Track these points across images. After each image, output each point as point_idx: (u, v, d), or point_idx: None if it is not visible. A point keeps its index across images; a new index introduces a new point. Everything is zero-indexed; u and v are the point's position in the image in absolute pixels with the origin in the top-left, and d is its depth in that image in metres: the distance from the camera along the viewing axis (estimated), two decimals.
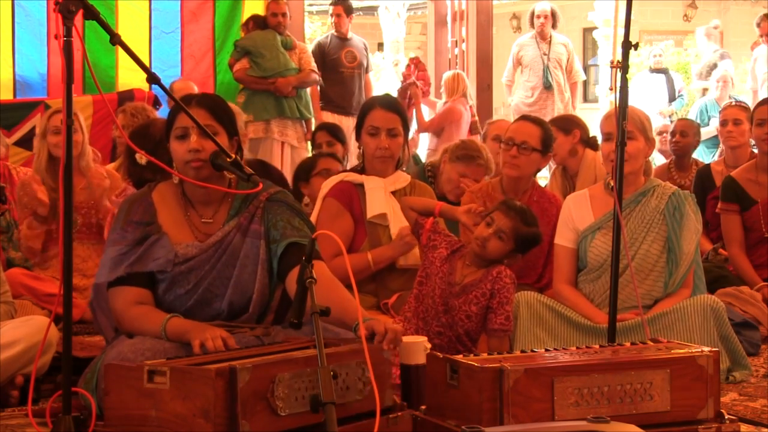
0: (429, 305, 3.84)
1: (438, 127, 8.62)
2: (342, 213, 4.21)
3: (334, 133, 6.30)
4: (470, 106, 8.80)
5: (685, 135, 6.42)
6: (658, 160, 8.58)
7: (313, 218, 4.24)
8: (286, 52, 7.80)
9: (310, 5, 15.32)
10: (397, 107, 4.35)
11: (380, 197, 4.21)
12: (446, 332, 3.82)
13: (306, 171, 5.30)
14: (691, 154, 6.54)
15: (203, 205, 3.33)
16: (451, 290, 3.82)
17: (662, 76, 11.79)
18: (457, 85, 8.67)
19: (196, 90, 7.14)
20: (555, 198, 4.65)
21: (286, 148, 7.68)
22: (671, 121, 11.21)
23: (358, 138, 4.33)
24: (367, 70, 8.84)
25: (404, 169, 4.43)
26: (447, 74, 8.97)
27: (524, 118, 4.80)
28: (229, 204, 3.34)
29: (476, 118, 8.81)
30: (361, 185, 4.26)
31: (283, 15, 7.84)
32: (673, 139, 6.48)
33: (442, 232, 3.97)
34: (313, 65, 7.94)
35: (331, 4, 8.79)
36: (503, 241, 3.81)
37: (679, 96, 11.72)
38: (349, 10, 8.73)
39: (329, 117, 8.09)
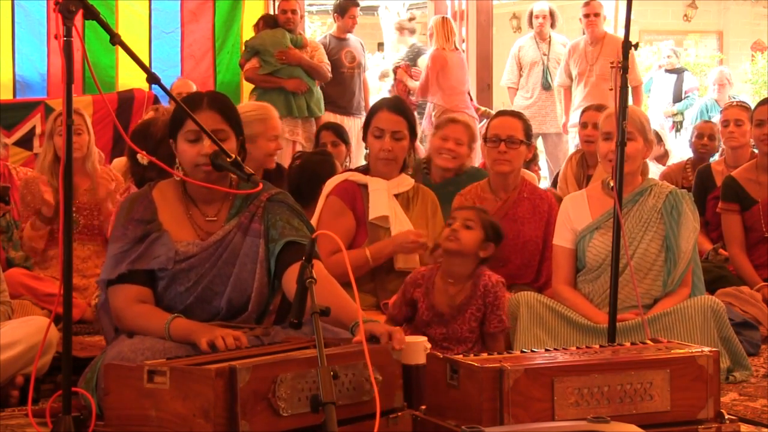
0: (429, 333, 3.83)
1: (427, 82, 8.56)
2: (344, 212, 4.22)
3: (339, 133, 6.30)
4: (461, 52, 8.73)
5: (713, 139, 6.38)
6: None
7: (315, 216, 4.25)
8: (295, 49, 7.81)
9: (310, 5, 15.31)
10: (405, 110, 4.33)
11: (383, 199, 4.21)
12: (450, 341, 3.85)
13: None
14: (710, 158, 6.49)
15: (205, 203, 3.33)
16: (445, 318, 3.82)
17: (674, 76, 11.76)
18: (441, 30, 8.57)
19: (194, 89, 7.13)
20: (546, 195, 4.66)
21: (298, 148, 7.68)
22: (673, 122, 11.19)
23: (364, 139, 4.35)
24: (363, 70, 8.84)
25: (410, 173, 4.43)
26: (433, 18, 8.88)
27: (502, 113, 4.84)
28: (230, 203, 3.35)
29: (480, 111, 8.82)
30: (365, 186, 4.26)
31: (293, 12, 7.85)
32: (701, 141, 6.43)
33: (402, 294, 3.93)
34: (326, 61, 7.95)
35: (341, 7, 8.65)
36: (472, 229, 3.83)
37: (686, 96, 11.69)
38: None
39: (330, 117, 8.08)
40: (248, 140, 5.10)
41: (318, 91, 7.94)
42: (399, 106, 4.37)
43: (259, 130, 4.74)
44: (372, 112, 4.37)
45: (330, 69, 7.98)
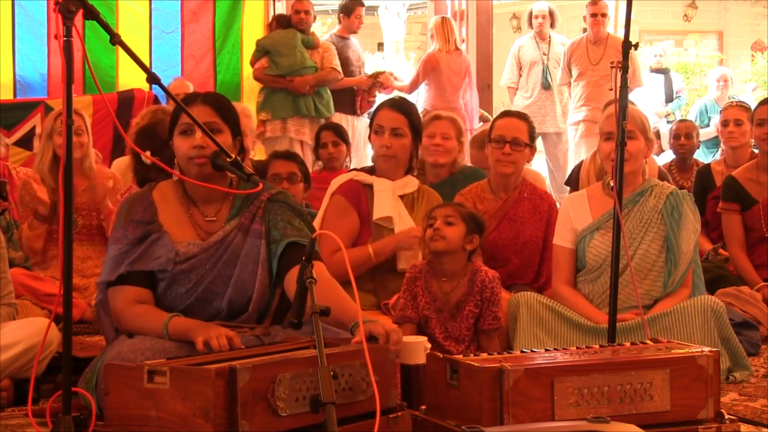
0: (429, 332, 3.83)
1: (417, 81, 8.54)
2: (349, 211, 4.22)
3: (339, 133, 6.31)
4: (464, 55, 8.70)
5: (689, 137, 6.42)
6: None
7: (320, 214, 4.26)
8: (306, 50, 7.83)
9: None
10: (405, 108, 4.34)
11: (388, 200, 4.22)
12: (450, 340, 3.85)
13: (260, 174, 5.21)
14: (692, 156, 6.56)
15: (205, 203, 3.33)
16: (444, 315, 3.83)
17: (662, 77, 11.75)
18: (441, 31, 8.51)
19: (191, 89, 7.15)
20: (546, 194, 4.67)
21: (305, 147, 7.68)
22: (668, 122, 11.19)
23: (370, 138, 4.38)
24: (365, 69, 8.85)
25: (415, 174, 4.44)
26: (433, 19, 8.85)
27: (507, 114, 4.79)
28: (230, 203, 3.34)
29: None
30: (370, 186, 4.27)
31: (306, 13, 7.90)
32: (678, 142, 6.46)
33: (408, 292, 3.92)
34: (335, 64, 7.96)
35: (347, 7, 8.62)
36: (454, 225, 3.84)
37: (677, 97, 11.68)
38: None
39: (336, 117, 8.08)
40: None
41: (327, 93, 7.96)
42: (401, 104, 4.39)
43: None
44: (375, 112, 4.43)
45: (340, 69, 7.99)
